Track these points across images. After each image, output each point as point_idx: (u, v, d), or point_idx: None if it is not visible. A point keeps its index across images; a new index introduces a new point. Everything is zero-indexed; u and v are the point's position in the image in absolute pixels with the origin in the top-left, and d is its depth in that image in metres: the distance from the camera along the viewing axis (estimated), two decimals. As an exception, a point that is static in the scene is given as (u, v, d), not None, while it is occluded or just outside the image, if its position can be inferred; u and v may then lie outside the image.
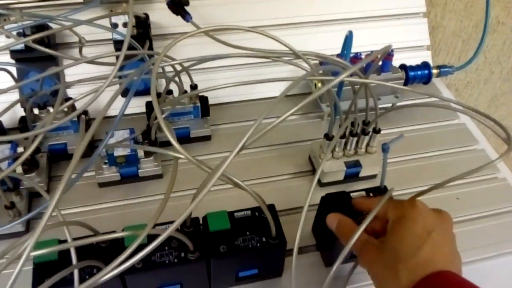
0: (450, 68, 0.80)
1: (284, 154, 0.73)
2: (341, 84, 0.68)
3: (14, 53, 0.69)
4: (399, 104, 0.78)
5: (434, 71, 0.79)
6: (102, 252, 0.49)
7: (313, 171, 0.70)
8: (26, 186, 0.62)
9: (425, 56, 0.86)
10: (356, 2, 0.83)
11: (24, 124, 0.66)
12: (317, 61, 0.75)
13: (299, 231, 0.46)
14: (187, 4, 0.67)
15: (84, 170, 0.46)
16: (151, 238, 0.49)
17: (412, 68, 0.78)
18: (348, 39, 0.65)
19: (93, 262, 0.46)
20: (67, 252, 0.47)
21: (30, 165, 0.63)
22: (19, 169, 0.61)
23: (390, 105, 0.78)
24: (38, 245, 0.47)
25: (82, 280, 0.46)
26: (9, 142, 0.65)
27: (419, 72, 0.78)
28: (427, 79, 0.79)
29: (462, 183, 0.70)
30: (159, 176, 0.68)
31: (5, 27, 0.64)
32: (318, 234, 0.62)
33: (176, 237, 0.49)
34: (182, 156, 0.45)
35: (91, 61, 0.59)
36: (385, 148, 0.54)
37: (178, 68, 0.64)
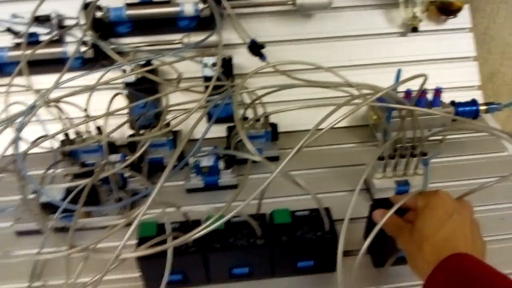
0: (498, 105, 0.88)
1: (342, 175, 0.84)
2: (389, 114, 0.78)
3: (127, 85, 0.87)
4: (445, 131, 0.86)
5: (482, 107, 0.87)
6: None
7: (367, 189, 0.80)
8: (131, 188, 0.78)
9: (477, 95, 0.95)
10: (410, 47, 0.95)
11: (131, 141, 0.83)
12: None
13: (346, 221, 0.56)
14: (263, 47, 0.82)
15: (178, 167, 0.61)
16: (228, 223, 0.62)
17: (461, 104, 0.87)
18: (398, 75, 0.76)
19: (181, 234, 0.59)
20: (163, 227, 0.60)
21: (135, 171, 0.79)
22: (127, 173, 0.77)
23: (440, 137, 0.87)
24: (143, 225, 0.61)
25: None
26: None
27: (467, 108, 0.87)
28: (474, 115, 0.87)
29: (507, 206, 0.76)
30: (235, 187, 0.81)
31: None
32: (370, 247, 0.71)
33: (247, 226, 0.62)
34: (257, 159, 0.58)
35: (187, 89, 0.75)
36: (425, 162, 0.64)
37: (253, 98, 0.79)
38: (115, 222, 0.57)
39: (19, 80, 0.79)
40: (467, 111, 0.87)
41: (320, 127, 0.56)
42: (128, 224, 0.50)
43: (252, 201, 0.66)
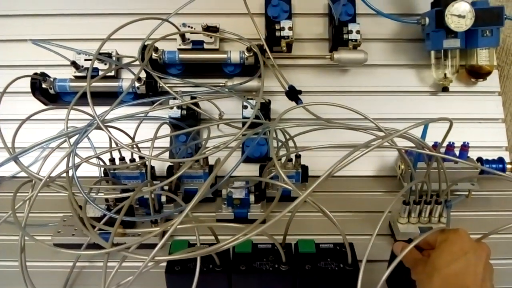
0: (526, 164, 0.90)
1: (367, 219, 0.86)
2: (416, 161, 0.81)
3: (172, 119, 0.94)
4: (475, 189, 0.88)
5: (509, 166, 0.89)
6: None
7: (392, 235, 0.82)
8: (165, 214, 0.83)
9: (504, 156, 0.97)
10: (440, 105, 1.01)
11: (171, 171, 0.89)
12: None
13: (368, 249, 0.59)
14: (300, 93, 0.89)
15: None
16: (255, 248, 0.66)
17: (488, 161, 0.90)
18: (424, 128, 0.81)
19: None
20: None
21: (171, 199, 0.84)
22: (164, 199, 0.83)
23: (466, 191, 0.89)
24: (174, 242, 0.65)
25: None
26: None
27: (494, 165, 0.89)
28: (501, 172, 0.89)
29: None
30: (263, 222, 0.84)
31: (170, 102, 0.91)
32: (390, 282, 0.72)
33: (273, 253, 0.65)
34: (289, 187, 0.62)
35: (226, 123, 0.81)
36: (448, 205, 0.66)
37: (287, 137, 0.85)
38: (150, 230, 0.62)
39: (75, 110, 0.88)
40: (494, 168, 0.89)
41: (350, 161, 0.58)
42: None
43: (278, 234, 0.71)
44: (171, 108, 0.92)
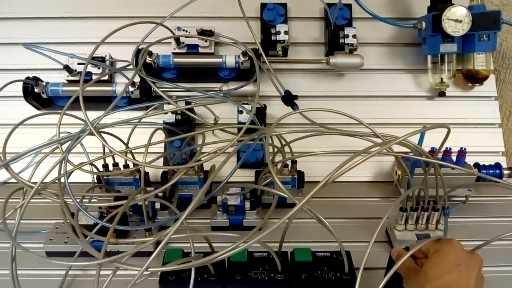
0: (523, 169, 0.90)
1: (364, 226, 0.85)
2: (413, 167, 0.81)
3: (166, 124, 0.93)
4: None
5: (506, 171, 0.89)
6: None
7: (389, 241, 0.81)
8: (159, 221, 0.81)
9: (501, 161, 0.96)
10: (436, 110, 1.00)
11: (165, 177, 0.88)
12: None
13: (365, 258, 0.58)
14: (296, 98, 0.88)
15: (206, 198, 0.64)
16: (250, 256, 0.65)
17: (485, 167, 0.89)
18: (421, 134, 0.80)
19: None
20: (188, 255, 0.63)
21: (164, 206, 0.82)
22: (158, 206, 0.81)
23: (463, 197, 0.88)
24: (168, 251, 0.64)
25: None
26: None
27: (490, 171, 0.89)
28: (498, 178, 0.88)
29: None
30: (259, 229, 0.83)
31: (165, 107, 0.90)
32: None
33: (268, 261, 0.64)
34: (285, 195, 0.62)
35: (221, 129, 0.80)
36: (446, 213, 0.66)
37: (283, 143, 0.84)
38: (143, 240, 0.61)
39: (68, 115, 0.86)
40: (491, 174, 0.89)
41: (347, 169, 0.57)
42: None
43: (274, 241, 0.70)
44: (166, 113, 0.91)
